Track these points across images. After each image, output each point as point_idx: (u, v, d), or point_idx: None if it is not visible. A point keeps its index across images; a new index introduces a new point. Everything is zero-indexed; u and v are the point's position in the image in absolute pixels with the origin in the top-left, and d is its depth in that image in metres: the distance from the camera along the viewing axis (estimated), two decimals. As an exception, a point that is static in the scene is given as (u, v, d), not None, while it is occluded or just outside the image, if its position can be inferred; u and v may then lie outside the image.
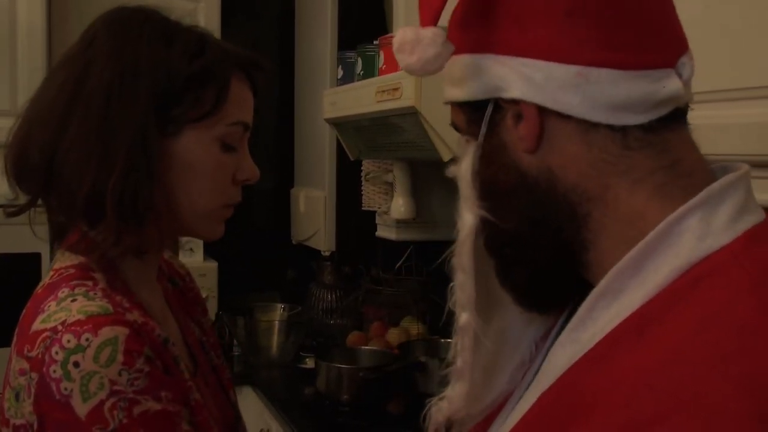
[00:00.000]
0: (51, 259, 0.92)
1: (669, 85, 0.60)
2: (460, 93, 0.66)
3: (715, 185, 0.59)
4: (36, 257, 2.09)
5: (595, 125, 0.60)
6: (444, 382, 0.74)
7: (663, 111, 0.60)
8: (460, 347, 0.69)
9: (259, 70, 0.95)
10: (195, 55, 0.86)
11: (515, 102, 0.62)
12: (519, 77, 0.61)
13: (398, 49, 0.65)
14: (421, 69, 0.64)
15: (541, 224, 0.63)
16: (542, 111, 0.61)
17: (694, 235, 0.58)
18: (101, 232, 0.84)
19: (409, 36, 0.64)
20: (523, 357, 0.75)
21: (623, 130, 0.60)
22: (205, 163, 0.88)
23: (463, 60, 0.65)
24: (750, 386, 0.48)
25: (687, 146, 0.62)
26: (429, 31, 0.63)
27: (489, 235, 0.66)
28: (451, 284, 0.70)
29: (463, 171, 0.66)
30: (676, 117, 0.61)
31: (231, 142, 0.90)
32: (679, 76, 0.61)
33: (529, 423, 0.64)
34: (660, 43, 0.61)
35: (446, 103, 0.71)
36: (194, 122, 0.86)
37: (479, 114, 0.65)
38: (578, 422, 0.56)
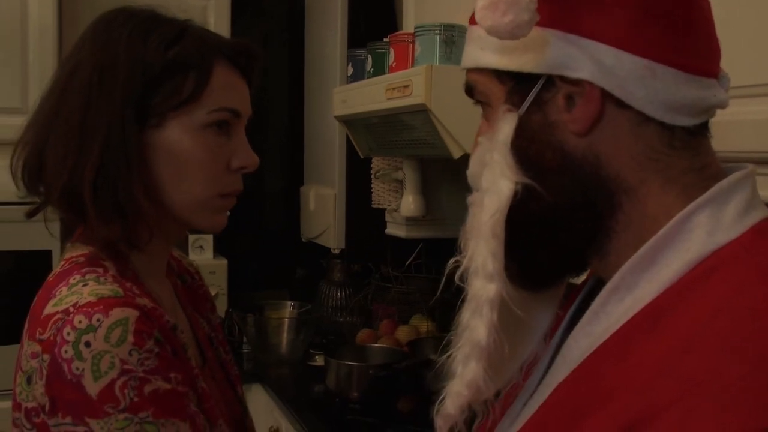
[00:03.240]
0: (61, 255, 0.93)
1: (718, 94, 0.63)
2: (511, 62, 0.64)
3: (723, 183, 0.61)
4: (46, 254, 2.10)
5: (647, 120, 0.61)
6: (446, 372, 0.68)
7: (706, 117, 0.63)
8: (486, 321, 0.64)
9: (245, 56, 0.93)
10: (170, 45, 0.86)
11: (577, 83, 0.61)
12: (589, 59, 0.60)
13: (490, 6, 0.60)
14: (510, 32, 0.60)
15: (583, 208, 0.64)
16: (604, 96, 0.61)
17: (704, 230, 0.59)
18: (89, 225, 0.85)
19: None
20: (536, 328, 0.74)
21: (672, 129, 0.62)
22: (192, 151, 0.87)
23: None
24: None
25: (712, 151, 0.65)
26: None
27: (522, 208, 0.64)
28: (457, 256, 0.67)
29: (502, 139, 0.64)
30: (707, 124, 0.64)
31: (220, 129, 0.89)
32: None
33: (547, 412, 0.65)
34: (712, 55, 0.64)
35: (481, 68, 0.67)
36: (175, 110, 0.86)
37: (525, 86, 0.64)
38: (595, 410, 0.57)
